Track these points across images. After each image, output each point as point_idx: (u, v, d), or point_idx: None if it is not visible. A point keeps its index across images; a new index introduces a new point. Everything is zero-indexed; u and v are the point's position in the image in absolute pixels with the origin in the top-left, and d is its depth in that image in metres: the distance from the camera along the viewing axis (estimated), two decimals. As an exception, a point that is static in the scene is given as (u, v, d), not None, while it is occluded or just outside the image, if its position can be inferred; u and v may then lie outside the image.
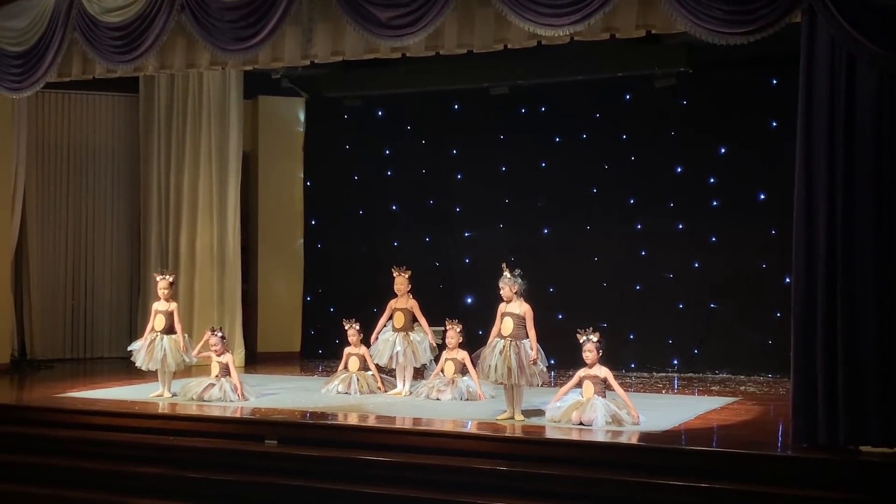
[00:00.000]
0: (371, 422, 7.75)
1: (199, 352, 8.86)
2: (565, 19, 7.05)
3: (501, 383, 7.53)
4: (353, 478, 6.89)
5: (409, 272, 9.05)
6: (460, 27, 7.77)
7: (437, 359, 9.11)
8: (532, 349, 7.39)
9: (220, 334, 8.81)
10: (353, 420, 7.81)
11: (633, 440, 6.87)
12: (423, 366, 9.27)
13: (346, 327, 9.35)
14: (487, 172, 11.78)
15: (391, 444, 7.14)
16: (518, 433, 7.13)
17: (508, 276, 7.52)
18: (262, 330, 12.49)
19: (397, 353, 8.90)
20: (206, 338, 8.81)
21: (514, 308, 7.47)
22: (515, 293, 7.50)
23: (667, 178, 10.96)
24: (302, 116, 12.65)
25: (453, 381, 8.68)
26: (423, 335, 9.00)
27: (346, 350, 9.36)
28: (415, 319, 9.03)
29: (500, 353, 7.36)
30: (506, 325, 7.45)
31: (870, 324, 6.19)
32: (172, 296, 9.09)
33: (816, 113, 6.36)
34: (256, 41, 8.04)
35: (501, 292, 7.53)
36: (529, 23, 7.17)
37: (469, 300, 11.69)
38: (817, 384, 6.29)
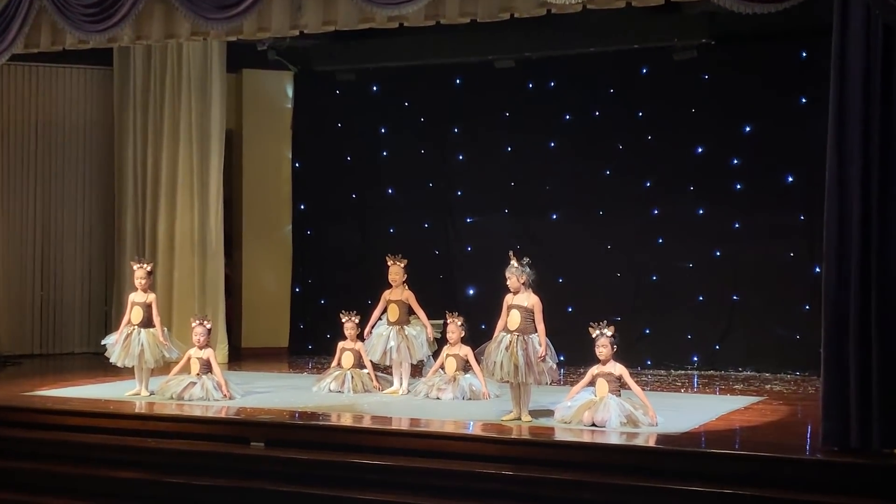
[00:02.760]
0: (366, 423, 7.76)
1: (181, 370, 8.82)
2: (578, -15, 7.04)
3: (507, 381, 7.54)
4: (347, 483, 6.91)
5: (406, 261, 9.06)
6: (463, -6, 7.75)
7: (436, 354, 9.12)
8: (541, 344, 7.39)
9: (207, 325, 8.82)
10: (346, 421, 7.83)
11: (650, 443, 6.89)
12: (421, 362, 9.28)
13: (344, 320, 9.34)
14: (491, 153, 11.78)
15: (387, 446, 7.15)
16: (525, 435, 7.14)
17: (516, 265, 7.52)
18: (247, 324, 12.52)
19: (391, 348, 8.92)
20: (185, 356, 8.80)
21: (521, 300, 7.48)
22: (523, 284, 7.50)
23: (686, 160, 10.95)
24: (290, 92, 12.64)
25: (455, 379, 8.69)
26: (420, 329, 9.01)
27: (341, 345, 9.37)
28: (411, 312, 9.04)
29: (507, 348, 7.37)
30: (512, 319, 7.46)
31: (907, 317, 6.20)
32: (150, 286, 9.10)
33: (850, 88, 6.34)
34: (241, 9, 8.02)
35: (508, 283, 7.53)
36: (538, -11, 7.16)
37: (471, 291, 11.71)
38: (850, 383, 6.29)
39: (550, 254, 10.64)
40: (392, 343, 8.93)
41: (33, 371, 10.91)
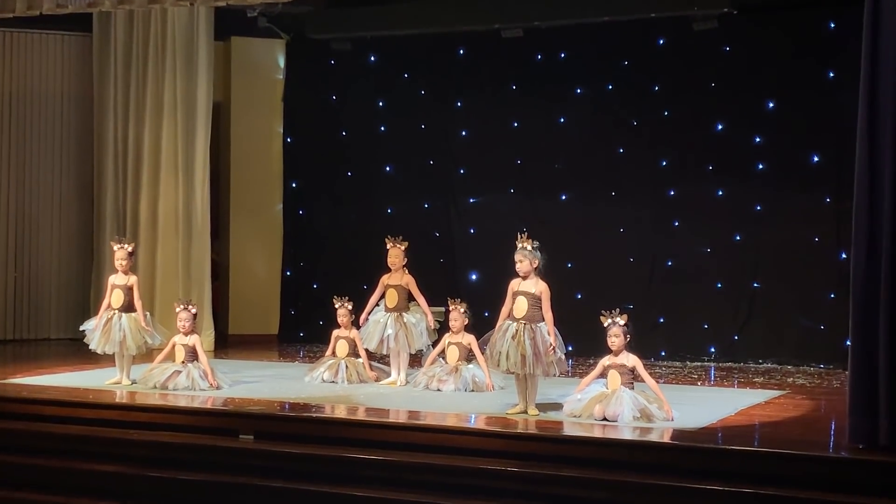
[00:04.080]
0: (361, 415, 7.78)
1: (165, 358, 8.85)
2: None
3: (513, 372, 7.55)
4: (341, 478, 6.93)
5: (406, 244, 9.06)
6: (469, -43, 7.76)
7: (436, 343, 9.14)
8: (550, 334, 7.39)
9: (192, 309, 8.84)
10: (340, 413, 7.84)
11: (665, 438, 6.90)
12: (420, 352, 9.30)
13: (337, 306, 9.37)
14: (497, 129, 11.78)
15: (384, 440, 7.17)
16: (532, 429, 7.16)
17: (529, 248, 7.50)
18: (235, 309, 12.54)
19: (388, 336, 8.94)
20: (170, 343, 8.82)
21: (528, 286, 7.47)
22: (534, 269, 7.49)
23: (705, 137, 10.96)
24: (282, 61, 12.63)
25: (457, 370, 8.71)
26: (420, 317, 9.02)
27: (335, 333, 9.40)
28: (411, 298, 9.05)
29: (513, 337, 7.36)
30: (519, 306, 7.45)
31: (941, 306, 6.20)
32: (131, 268, 9.11)
33: (883, 61, 6.32)
34: (231, -28, 8.04)
35: (518, 266, 7.50)
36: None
37: (474, 277, 11.73)
38: (878, 376, 6.29)
39: (558, 237, 10.64)
40: (390, 331, 8.94)
41: (7, 358, 10.95)
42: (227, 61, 12.49)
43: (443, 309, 9.17)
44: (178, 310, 8.86)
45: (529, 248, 7.50)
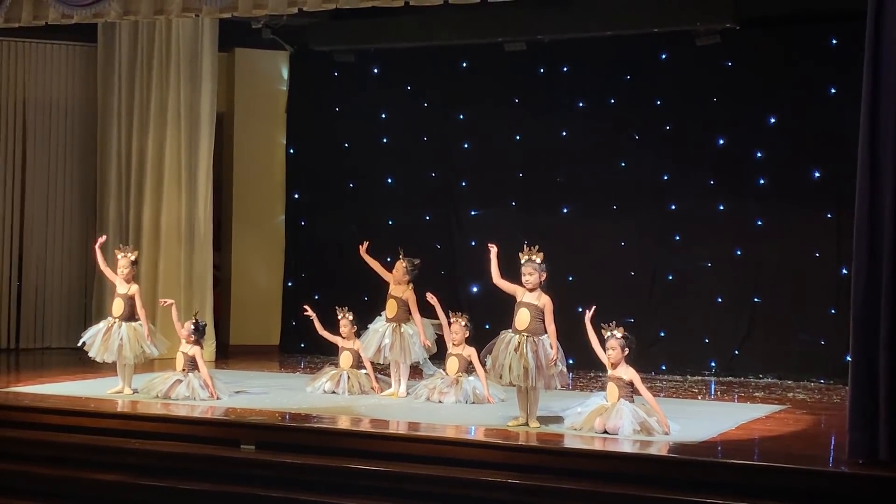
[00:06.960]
0: (363, 426, 7.79)
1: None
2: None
3: (514, 385, 7.56)
4: (342, 489, 6.94)
5: (417, 263, 9.10)
6: (473, -30, 7.79)
7: (435, 357, 9.16)
8: (552, 347, 7.40)
9: (203, 323, 8.89)
10: (342, 424, 7.86)
11: (665, 452, 6.92)
12: (417, 363, 9.33)
13: (340, 317, 9.40)
14: (499, 141, 11.79)
15: (386, 451, 7.19)
16: (533, 442, 7.18)
17: (539, 261, 7.52)
18: (236, 319, 12.55)
19: (385, 346, 8.99)
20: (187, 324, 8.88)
21: (531, 298, 7.49)
22: (541, 282, 7.52)
23: (707, 152, 10.97)
24: (285, 73, 12.67)
25: (457, 382, 8.73)
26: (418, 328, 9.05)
27: (340, 343, 9.40)
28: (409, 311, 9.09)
29: (516, 350, 7.38)
30: (521, 318, 7.47)
31: (941, 322, 6.22)
32: (133, 277, 9.13)
33: (885, 76, 6.35)
34: (236, -16, 8.07)
35: (527, 279, 7.50)
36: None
37: (474, 289, 11.71)
38: (879, 391, 6.30)
39: (559, 250, 10.61)
40: (387, 340, 9.00)
41: (8, 366, 10.94)
42: (230, 72, 12.53)
43: (438, 322, 9.18)
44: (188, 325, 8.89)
45: (538, 261, 7.52)
